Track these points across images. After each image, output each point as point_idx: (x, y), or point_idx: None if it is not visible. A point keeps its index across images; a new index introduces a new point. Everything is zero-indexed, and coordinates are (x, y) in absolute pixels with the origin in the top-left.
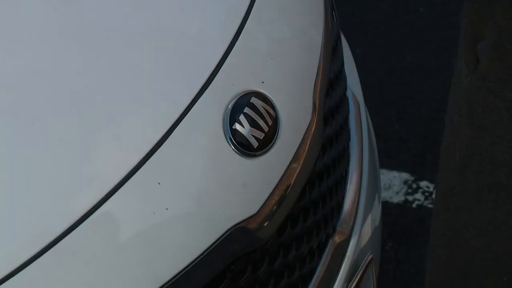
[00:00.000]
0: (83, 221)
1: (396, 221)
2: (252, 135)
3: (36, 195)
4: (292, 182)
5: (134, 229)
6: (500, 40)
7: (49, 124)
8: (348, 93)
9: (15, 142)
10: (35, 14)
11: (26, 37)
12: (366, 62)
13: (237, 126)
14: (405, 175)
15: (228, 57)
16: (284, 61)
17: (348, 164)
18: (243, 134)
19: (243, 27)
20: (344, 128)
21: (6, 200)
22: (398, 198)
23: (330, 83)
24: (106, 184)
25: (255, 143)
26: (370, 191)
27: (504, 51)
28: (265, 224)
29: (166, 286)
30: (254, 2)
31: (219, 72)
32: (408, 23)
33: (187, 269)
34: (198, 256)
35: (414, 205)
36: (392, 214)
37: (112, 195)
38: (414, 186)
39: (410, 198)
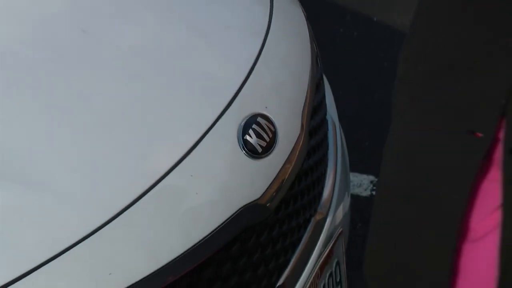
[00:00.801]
0: (143, 196)
1: (365, 208)
2: (258, 144)
3: (112, 175)
4: (286, 176)
5: (176, 205)
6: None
7: (124, 131)
8: (328, 117)
9: (101, 137)
10: (108, 58)
11: (107, 74)
12: (346, 99)
13: (248, 137)
14: (372, 177)
15: (242, 88)
16: (282, 92)
17: (326, 166)
18: (251, 143)
19: (254, 67)
20: (323, 141)
21: (89, 179)
22: (366, 193)
23: (314, 109)
24: (156, 173)
25: (260, 149)
26: (342, 186)
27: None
28: (267, 205)
29: (199, 244)
30: (261, 51)
31: (235, 99)
32: (375, 72)
33: (212, 233)
34: (220, 225)
35: None
36: (362, 204)
37: (161, 180)
38: None
39: (374, 193)
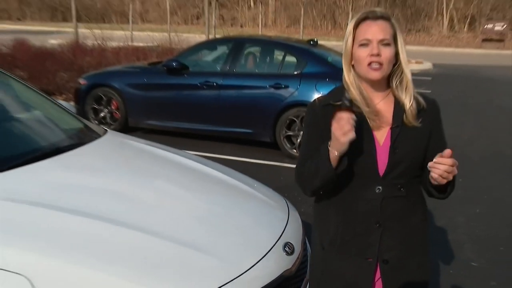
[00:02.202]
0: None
1: None
2: (289, 250)
3: (237, 254)
4: (298, 262)
5: (265, 273)
6: None
7: (241, 240)
8: (307, 244)
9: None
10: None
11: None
12: None
13: (285, 249)
14: None
15: (282, 234)
16: (295, 236)
17: (307, 257)
18: (287, 250)
19: (285, 229)
20: (306, 251)
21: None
22: None
23: (303, 243)
24: (256, 256)
25: (290, 252)
26: None
27: None
28: (290, 272)
29: (267, 284)
30: (287, 225)
31: (281, 236)
32: None
33: (270, 281)
34: (274, 279)
35: None
36: None
37: (265, 255)
38: None
39: None
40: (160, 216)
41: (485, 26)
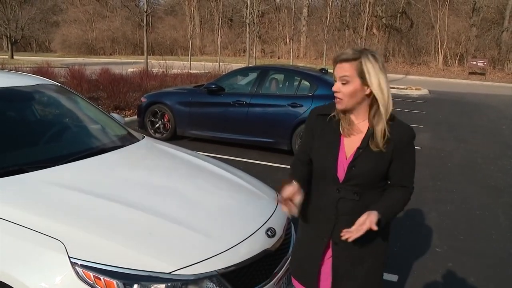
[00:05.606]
0: (238, 243)
1: None
2: (270, 234)
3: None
4: (281, 242)
5: (251, 248)
6: None
7: (238, 223)
8: (291, 226)
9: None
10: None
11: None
12: None
13: (267, 233)
14: None
15: (270, 218)
16: (279, 221)
17: (291, 241)
18: (269, 233)
19: (273, 213)
20: (290, 232)
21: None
22: None
23: (288, 225)
24: (244, 234)
25: (271, 235)
26: None
27: None
28: (271, 248)
29: (252, 257)
30: (275, 210)
31: (268, 220)
32: None
33: (255, 255)
34: (259, 253)
35: None
36: None
37: (249, 236)
38: None
39: None
40: (171, 203)
41: (471, 62)
